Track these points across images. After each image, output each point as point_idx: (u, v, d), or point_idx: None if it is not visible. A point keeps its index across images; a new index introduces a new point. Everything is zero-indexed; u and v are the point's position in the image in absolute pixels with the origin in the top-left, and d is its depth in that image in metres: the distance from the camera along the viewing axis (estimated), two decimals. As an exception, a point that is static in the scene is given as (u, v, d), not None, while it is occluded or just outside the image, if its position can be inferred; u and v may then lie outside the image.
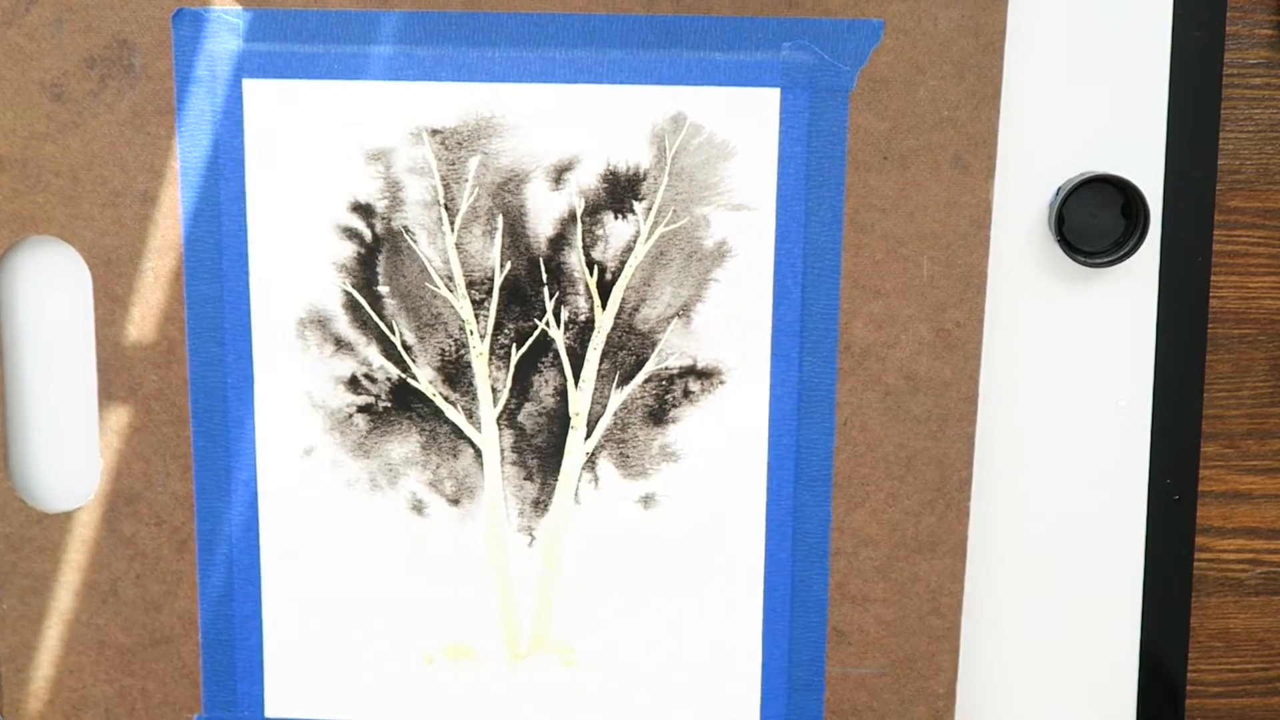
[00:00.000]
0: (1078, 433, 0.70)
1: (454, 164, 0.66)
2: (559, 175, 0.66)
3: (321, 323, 0.67)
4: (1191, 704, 0.74)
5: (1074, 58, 0.66)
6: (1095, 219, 0.67)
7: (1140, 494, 0.70)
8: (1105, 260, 0.67)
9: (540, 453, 0.68)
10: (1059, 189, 0.67)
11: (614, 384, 0.68)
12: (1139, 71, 0.67)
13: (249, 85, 0.65)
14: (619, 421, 0.68)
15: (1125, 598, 0.71)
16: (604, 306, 0.67)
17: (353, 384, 0.68)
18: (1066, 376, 0.69)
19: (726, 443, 0.68)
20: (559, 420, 0.68)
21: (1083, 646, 0.72)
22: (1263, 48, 0.68)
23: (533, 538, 0.69)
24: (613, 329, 0.67)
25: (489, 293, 0.67)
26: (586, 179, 0.66)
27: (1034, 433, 0.69)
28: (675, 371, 0.68)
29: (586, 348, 0.67)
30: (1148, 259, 0.68)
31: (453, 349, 0.68)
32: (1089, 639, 0.72)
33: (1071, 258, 0.67)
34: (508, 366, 0.68)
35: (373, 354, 0.68)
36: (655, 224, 0.66)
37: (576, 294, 0.67)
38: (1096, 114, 0.67)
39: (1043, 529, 0.71)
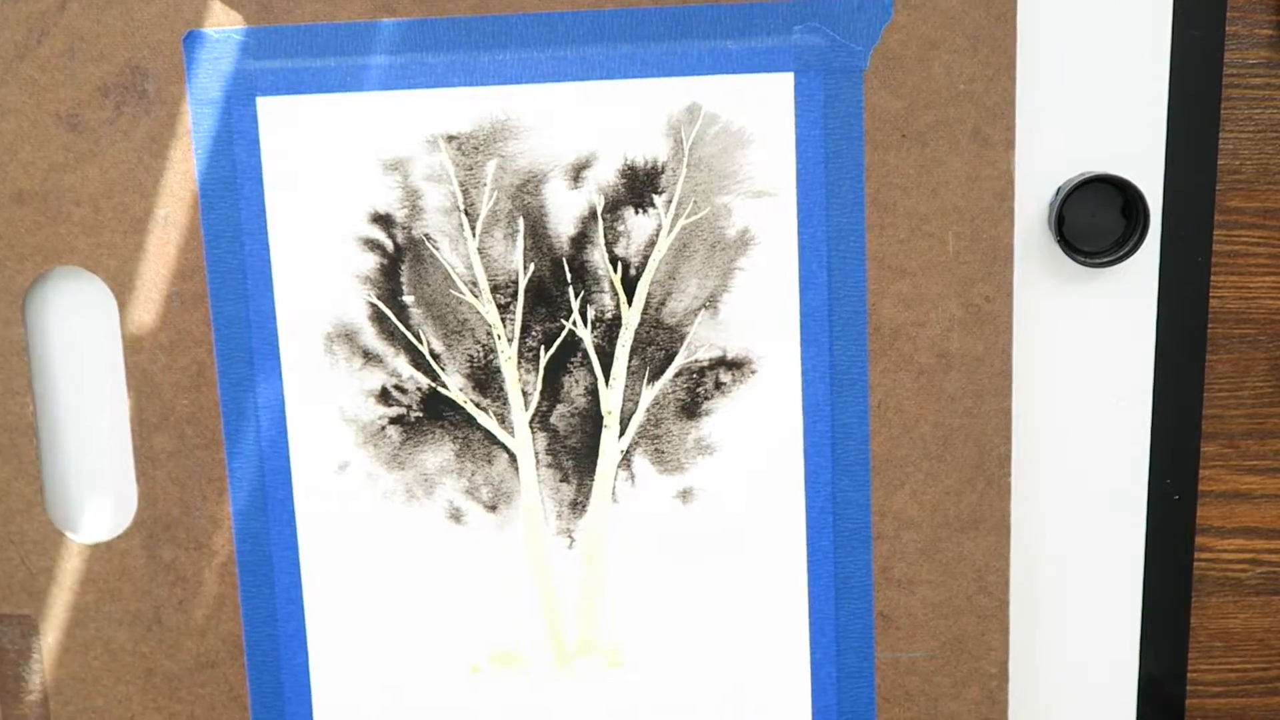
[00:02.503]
0: (1077, 433, 0.69)
1: (471, 169, 0.66)
2: (577, 173, 0.66)
3: (349, 336, 0.67)
4: (1191, 704, 0.74)
5: (1073, 58, 0.66)
6: (1095, 219, 0.67)
7: (1140, 494, 0.70)
8: (1105, 260, 0.66)
9: (575, 454, 0.68)
10: (1059, 189, 0.67)
11: (645, 380, 0.67)
12: (1139, 71, 0.66)
13: (263, 103, 0.65)
14: (652, 417, 0.68)
15: (1125, 598, 0.71)
16: (630, 303, 0.67)
17: (383, 396, 0.68)
18: (1066, 376, 0.69)
19: (761, 432, 0.68)
20: (592, 420, 0.68)
21: (1082, 645, 0.71)
22: (1263, 48, 0.67)
23: (572, 540, 0.69)
24: (640, 324, 0.67)
25: (514, 296, 0.67)
26: (605, 175, 0.66)
27: (1034, 432, 0.69)
28: (705, 364, 0.67)
29: (615, 345, 0.67)
30: (1148, 259, 0.68)
31: (481, 355, 0.67)
32: (1088, 638, 0.71)
33: (1071, 258, 0.67)
34: (537, 369, 0.67)
35: (401, 365, 0.68)
36: (676, 216, 0.66)
37: (602, 292, 0.67)
38: (1096, 114, 0.67)
39: (1041, 528, 0.70)
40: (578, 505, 0.69)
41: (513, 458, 0.68)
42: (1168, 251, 0.68)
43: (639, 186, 0.66)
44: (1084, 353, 0.69)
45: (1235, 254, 0.69)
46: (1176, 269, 0.68)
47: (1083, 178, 0.66)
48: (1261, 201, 0.69)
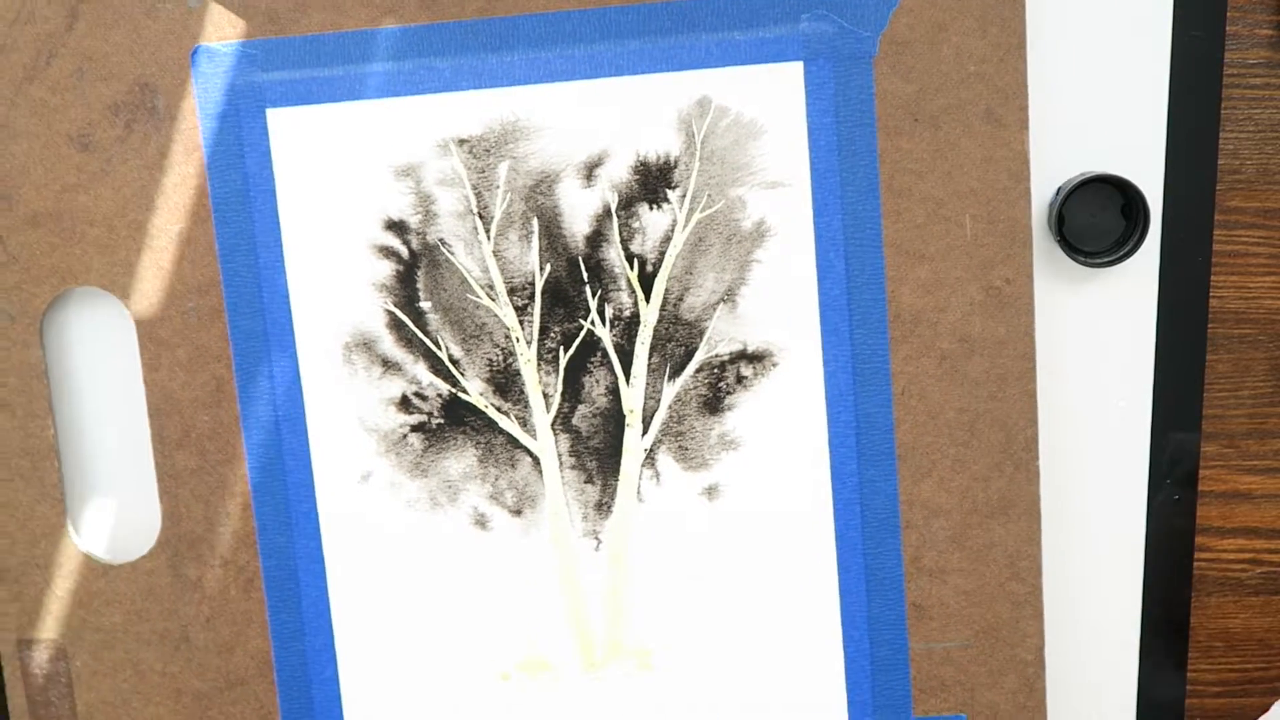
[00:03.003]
0: (1077, 433, 0.69)
1: (484, 172, 0.65)
2: (590, 172, 0.65)
3: (367, 345, 0.67)
4: (1191, 704, 0.73)
5: (1074, 58, 0.66)
6: (1095, 219, 0.67)
7: (1140, 494, 0.70)
8: (1105, 260, 0.66)
9: (598, 454, 0.68)
10: (1059, 189, 0.66)
11: (665, 377, 0.67)
12: (1139, 71, 0.66)
13: (273, 115, 0.65)
14: (674, 414, 0.67)
15: (1125, 598, 0.70)
16: (648, 299, 0.66)
17: (404, 404, 0.68)
18: (1066, 377, 0.68)
19: (785, 425, 0.67)
20: (614, 419, 0.67)
21: (1081, 646, 0.71)
22: (1263, 48, 0.67)
23: (599, 541, 0.68)
24: (659, 321, 0.67)
25: (531, 297, 0.66)
26: (618, 172, 0.65)
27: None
28: (726, 358, 0.67)
29: (634, 343, 0.67)
30: (1148, 259, 0.68)
31: (500, 358, 0.67)
32: (1088, 638, 0.71)
33: (1071, 258, 0.66)
34: (557, 370, 0.67)
35: (421, 371, 0.67)
36: (691, 211, 0.66)
37: (619, 290, 0.66)
38: (1096, 114, 0.66)
39: (1045, 522, 0.69)
40: (603, 506, 0.68)
41: (536, 461, 0.68)
42: (1168, 251, 0.68)
43: (652, 182, 0.65)
44: (1084, 353, 0.68)
45: (1235, 254, 0.69)
46: (1176, 269, 0.68)
47: (1083, 178, 0.66)
48: (1261, 201, 0.69)
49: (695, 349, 0.67)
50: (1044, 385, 0.68)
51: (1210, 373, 0.70)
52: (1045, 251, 0.67)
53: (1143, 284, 0.68)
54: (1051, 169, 0.67)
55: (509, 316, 0.67)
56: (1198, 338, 0.69)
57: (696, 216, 0.66)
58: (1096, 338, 0.68)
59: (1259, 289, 0.69)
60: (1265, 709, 0.73)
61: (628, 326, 0.67)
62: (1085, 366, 0.68)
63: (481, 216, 0.66)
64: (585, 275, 0.66)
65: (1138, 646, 0.71)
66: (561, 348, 0.67)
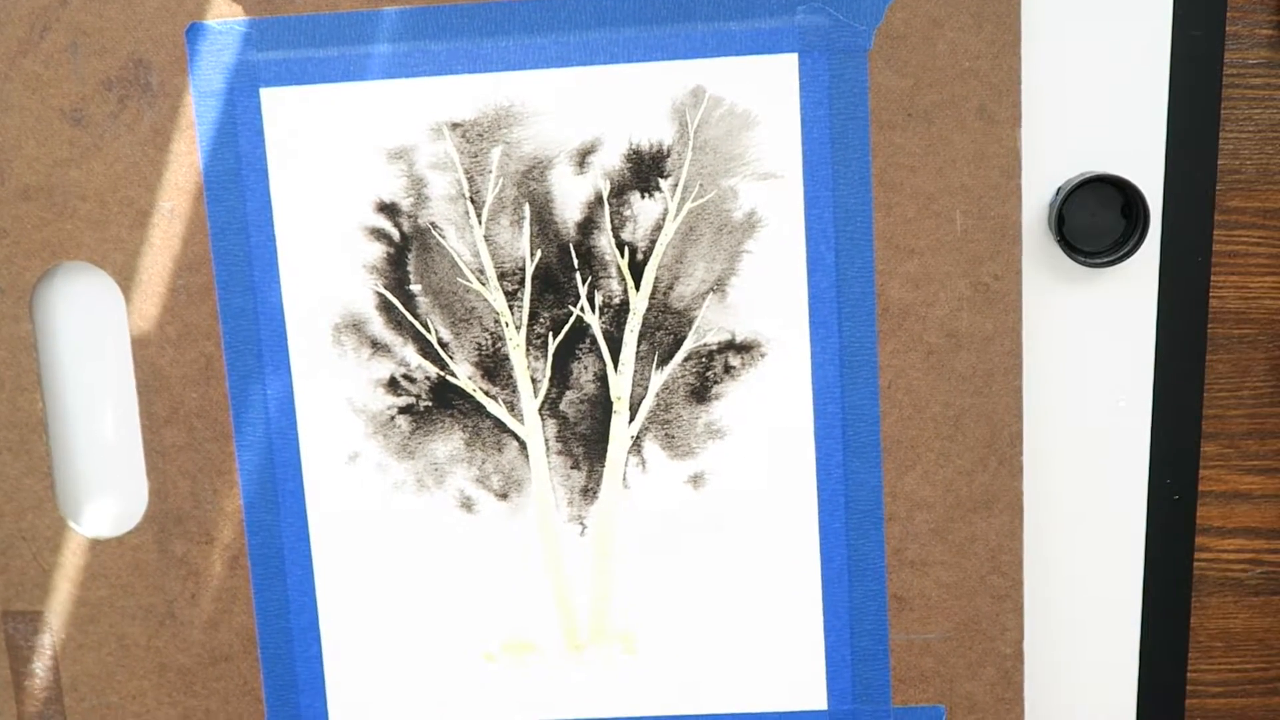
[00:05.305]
0: (1078, 433, 0.69)
1: (476, 156, 0.65)
2: (582, 159, 0.65)
3: (357, 326, 0.67)
4: (1191, 704, 0.74)
5: (1074, 58, 0.66)
6: (1095, 219, 0.67)
7: (1140, 494, 0.70)
8: (1105, 260, 0.66)
9: (585, 440, 0.68)
10: (1059, 189, 0.66)
11: (654, 365, 0.67)
12: (1139, 71, 0.66)
13: (266, 94, 0.65)
14: (662, 402, 0.68)
15: (1125, 598, 0.71)
16: (638, 287, 0.67)
17: (392, 386, 0.68)
18: (1066, 377, 0.69)
19: (772, 415, 0.67)
20: (601, 406, 0.68)
21: (1081, 646, 0.71)
22: (1263, 48, 0.67)
23: (584, 526, 0.69)
24: (648, 309, 0.67)
25: (521, 283, 0.67)
26: (610, 160, 0.65)
27: (1034, 433, 0.69)
28: (714, 347, 0.67)
29: (623, 330, 0.67)
30: (1148, 259, 0.68)
31: (489, 342, 0.67)
32: (1088, 638, 0.71)
33: (1071, 258, 0.66)
34: (546, 356, 0.67)
35: (410, 354, 0.67)
36: (683, 200, 0.66)
37: (609, 277, 0.66)
38: (1096, 114, 0.66)
39: (1041, 528, 0.70)
40: (589, 492, 0.68)
41: (523, 445, 0.68)
42: (1168, 251, 0.68)
43: (645, 171, 0.65)
44: (1084, 353, 0.68)
45: (1235, 254, 0.69)
46: (1176, 269, 0.68)
47: (1083, 178, 0.66)
48: (1261, 201, 0.69)
49: (684, 338, 0.67)
50: (1043, 385, 0.69)
51: (1210, 373, 0.70)
52: (1044, 251, 0.67)
53: (1143, 284, 0.68)
54: (1050, 169, 0.67)
55: (499, 301, 0.67)
56: (1198, 338, 0.69)
57: (688, 206, 0.66)
58: (1096, 338, 0.68)
59: (1259, 289, 0.69)
60: (1265, 709, 0.73)
61: (617, 314, 0.67)
62: (1085, 366, 0.69)
63: (473, 201, 0.66)
64: (576, 262, 0.66)
65: (1137, 647, 0.71)
66: (551, 333, 0.67)
